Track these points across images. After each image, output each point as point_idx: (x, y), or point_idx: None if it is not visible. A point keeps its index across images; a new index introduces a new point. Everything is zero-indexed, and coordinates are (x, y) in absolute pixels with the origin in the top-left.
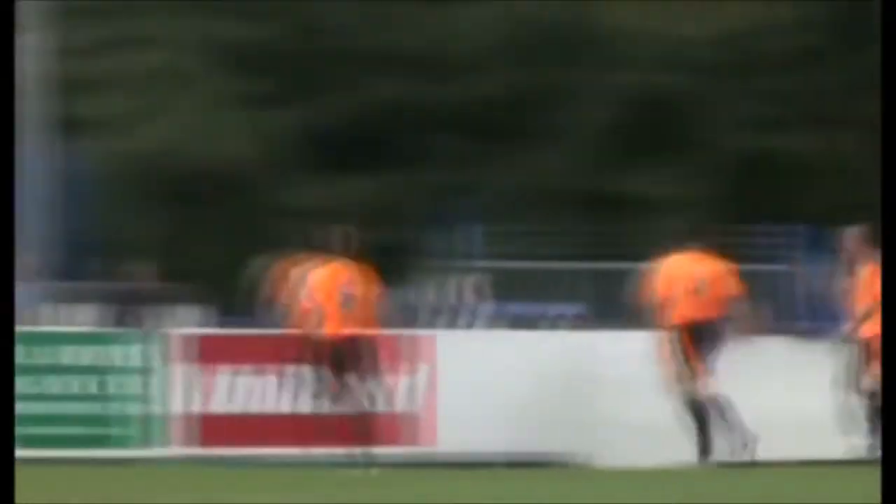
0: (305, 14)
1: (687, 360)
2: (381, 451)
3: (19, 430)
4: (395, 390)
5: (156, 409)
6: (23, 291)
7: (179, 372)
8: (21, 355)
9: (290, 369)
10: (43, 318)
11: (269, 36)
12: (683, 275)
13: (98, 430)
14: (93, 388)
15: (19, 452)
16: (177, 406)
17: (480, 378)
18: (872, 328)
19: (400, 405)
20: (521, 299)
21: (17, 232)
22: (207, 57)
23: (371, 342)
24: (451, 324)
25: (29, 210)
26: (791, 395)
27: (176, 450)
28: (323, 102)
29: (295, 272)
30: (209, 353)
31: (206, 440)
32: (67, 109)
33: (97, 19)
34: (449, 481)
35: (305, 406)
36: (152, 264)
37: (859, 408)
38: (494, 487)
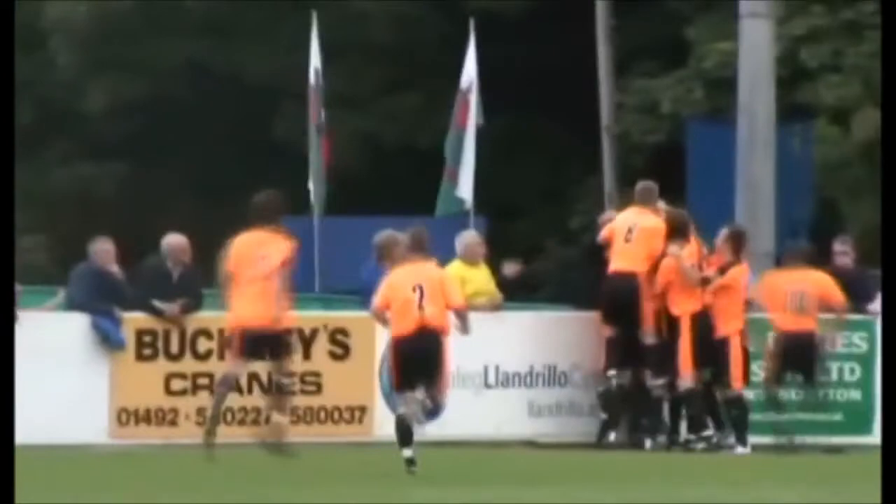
0: None
1: None
2: None
3: None
4: None
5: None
6: None
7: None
8: None
9: None
10: None
11: None
12: None
13: (818, 416)
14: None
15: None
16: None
17: None
18: None
19: None
20: None
21: (759, 217)
22: None
23: None
24: None
25: (770, 194)
26: None
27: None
28: None
29: None
30: None
31: None
32: (804, 95)
33: (822, 6)
34: None
35: None
36: (869, 247)
37: None
38: None
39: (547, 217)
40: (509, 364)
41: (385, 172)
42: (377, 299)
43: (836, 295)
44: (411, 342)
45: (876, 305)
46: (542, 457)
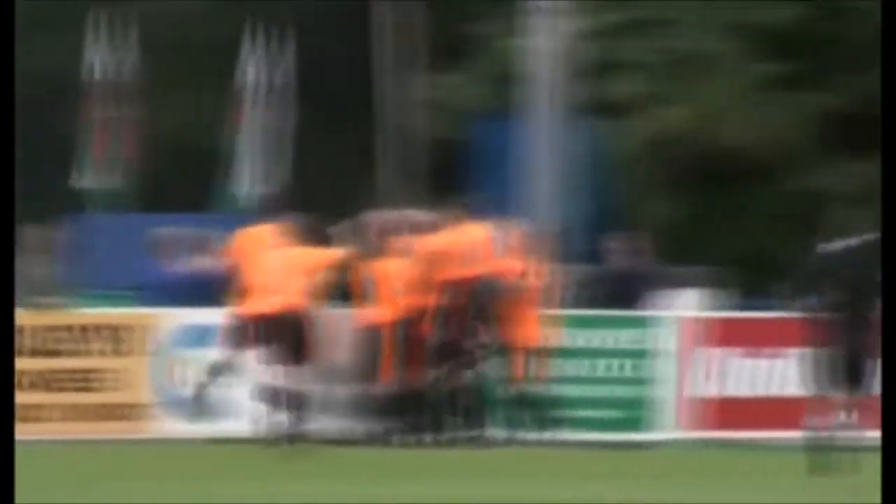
0: None
1: None
2: None
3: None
4: None
5: (661, 392)
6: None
7: (688, 355)
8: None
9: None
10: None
11: (792, 19)
12: None
13: (609, 413)
14: (602, 372)
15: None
16: (685, 389)
17: None
18: None
19: None
20: None
21: (542, 214)
22: (729, 40)
23: None
24: None
25: (553, 190)
26: None
27: (683, 433)
28: (840, 85)
29: None
30: (724, 335)
31: (714, 423)
32: (592, 91)
33: (622, 1)
34: None
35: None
36: (658, 245)
37: None
38: None
39: (328, 214)
40: None
41: (168, 170)
42: None
43: None
44: None
45: (655, 303)
46: (321, 453)
